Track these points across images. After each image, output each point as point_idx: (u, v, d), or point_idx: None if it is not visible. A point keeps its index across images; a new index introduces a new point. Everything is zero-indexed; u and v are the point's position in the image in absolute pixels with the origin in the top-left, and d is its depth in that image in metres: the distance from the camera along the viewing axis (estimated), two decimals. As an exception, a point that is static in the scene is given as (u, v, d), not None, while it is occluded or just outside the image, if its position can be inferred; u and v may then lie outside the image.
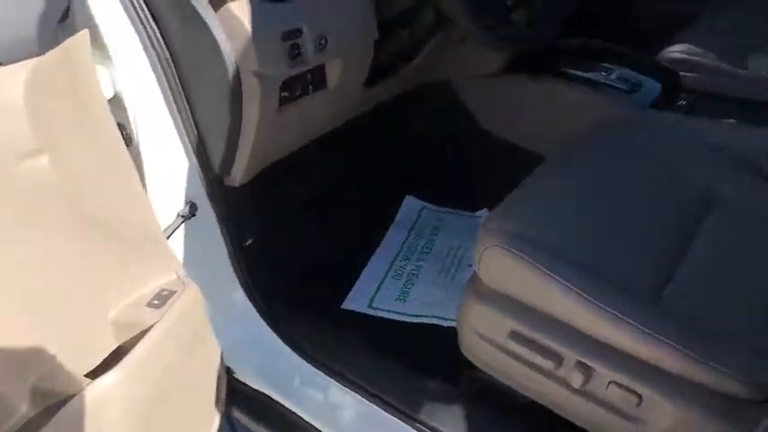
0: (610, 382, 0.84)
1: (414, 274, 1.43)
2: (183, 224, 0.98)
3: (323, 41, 0.95)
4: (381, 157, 1.67)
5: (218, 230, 1.04)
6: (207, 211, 1.01)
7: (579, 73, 1.40)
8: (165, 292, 0.76)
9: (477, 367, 1.01)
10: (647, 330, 0.80)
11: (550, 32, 1.10)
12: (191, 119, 0.92)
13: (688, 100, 1.39)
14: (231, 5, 0.85)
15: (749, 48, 1.62)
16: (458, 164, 1.61)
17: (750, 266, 0.95)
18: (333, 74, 1.03)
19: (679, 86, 1.45)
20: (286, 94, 0.96)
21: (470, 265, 1.43)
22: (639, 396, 0.82)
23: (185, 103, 0.91)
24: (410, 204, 1.64)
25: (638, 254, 0.92)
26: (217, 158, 0.96)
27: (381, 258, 1.47)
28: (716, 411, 0.77)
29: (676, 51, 1.60)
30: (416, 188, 1.66)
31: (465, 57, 1.39)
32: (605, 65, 1.42)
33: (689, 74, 1.48)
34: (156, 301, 0.74)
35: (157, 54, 0.84)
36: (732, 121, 1.26)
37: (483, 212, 1.58)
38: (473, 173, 1.60)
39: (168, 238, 0.91)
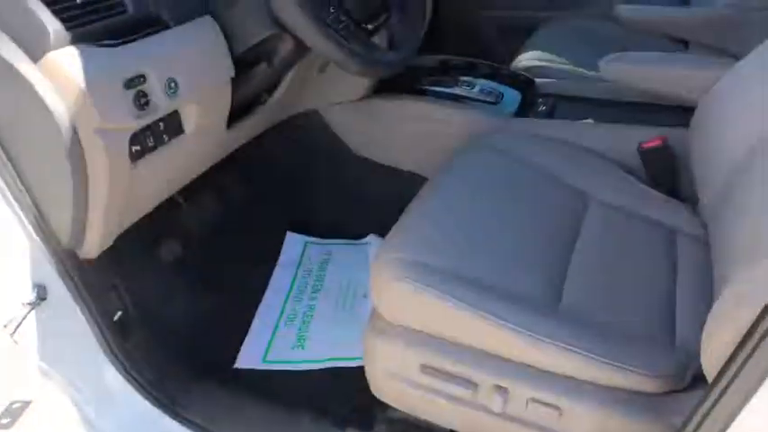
0: (528, 400, 0.82)
1: (308, 315, 1.35)
2: (32, 312, 0.84)
3: (173, 85, 0.85)
4: (256, 196, 1.59)
5: (78, 310, 0.90)
6: (60, 291, 0.87)
7: (442, 89, 1.41)
8: (17, 405, 0.63)
9: (392, 407, 0.95)
10: (553, 342, 0.80)
11: (412, 52, 1.08)
12: (25, 193, 0.79)
13: (547, 104, 1.44)
14: (55, 55, 0.73)
15: (591, 50, 1.75)
16: (336, 192, 1.56)
17: (630, 261, 0.99)
18: (189, 118, 0.93)
19: (536, 92, 1.50)
20: (138, 147, 0.85)
21: (366, 296, 1.38)
22: (559, 409, 0.80)
23: (15, 175, 0.77)
24: (293, 241, 1.57)
25: (530, 264, 0.93)
26: (65, 231, 0.83)
27: (270, 305, 1.38)
28: (636, 411, 0.77)
29: (527, 59, 1.68)
30: (297, 223, 1.59)
31: (328, 85, 1.35)
32: (465, 79, 1.43)
33: (543, 79, 1.54)
34: (5, 420, 0.61)
35: None
36: (590, 121, 1.32)
37: (370, 238, 1.55)
38: (353, 199, 1.56)
39: (13, 333, 0.77)
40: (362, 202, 1.56)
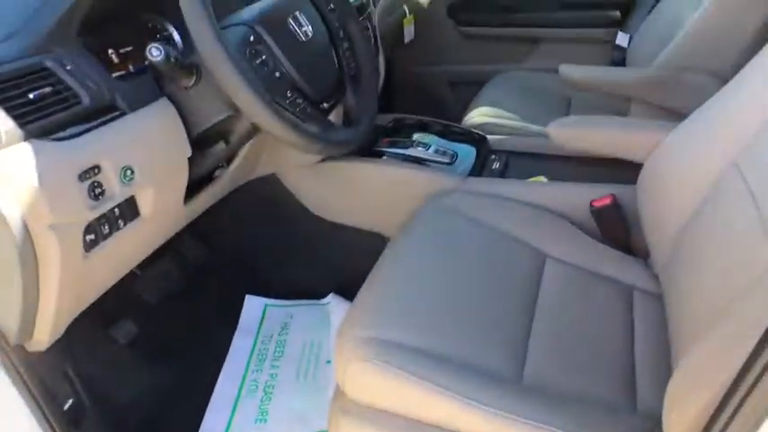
0: None
1: (270, 386, 1.32)
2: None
3: (128, 173, 0.84)
4: (214, 259, 1.57)
5: (23, 404, 0.86)
6: (5, 387, 0.83)
7: (398, 151, 1.43)
8: None
9: None
10: (519, 419, 0.80)
11: (369, 126, 1.10)
12: None
13: (500, 161, 1.48)
14: (6, 154, 0.71)
15: (541, 102, 1.82)
16: (296, 253, 1.55)
17: (588, 322, 1.02)
18: (145, 202, 0.91)
19: (490, 149, 1.54)
20: (92, 236, 0.82)
21: (328, 362, 1.37)
22: None
23: None
24: (252, 304, 1.55)
25: (493, 337, 0.93)
26: (13, 328, 0.79)
27: (230, 375, 1.35)
28: None
29: (479, 115, 1.73)
30: (257, 285, 1.57)
31: (285, 150, 1.35)
32: (421, 140, 1.46)
33: (495, 136, 1.59)
34: None
35: None
36: (543, 178, 1.36)
37: (330, 298, 1.54)
38: (313, 259, 1.56)
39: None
40: (322, 261, 1.55)
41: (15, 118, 0.72)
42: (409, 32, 2.13)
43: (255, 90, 0.81)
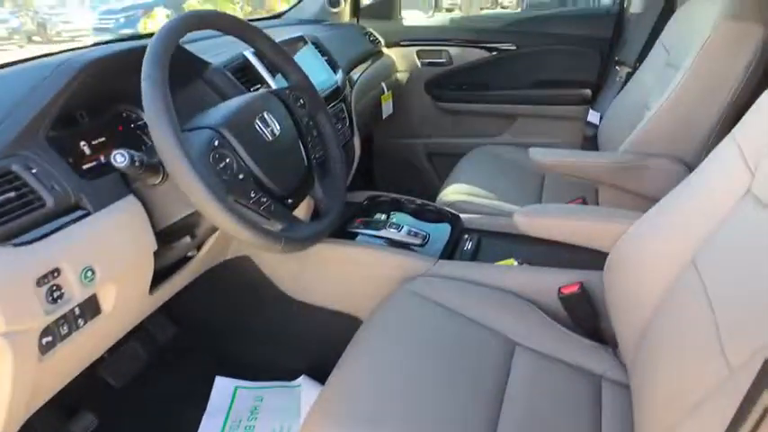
0: None
1: (237, 474, 1.28)
2: None
3: (89, 273, 0.84)
4: (184, 339, 1.55)
5: None
6: None
7: (371, 232, 1.44)
8: None
9: None
10: None
11: (337, 217, 1.12)
12: None
13: (472, 241, 1.50)
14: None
15: (515, 179, 1.86)
16: (267, 333, 1.54)
17: (556, 412, 1.01)
18: (107, 298, 0.91)
19: (462, 228, 1.56)
20: (49, 339, 0.81)
21: (298, 450, 1.34)
22: None
23: None
24: (222, 386, 1.52)
25: (460, 426, 0.93)
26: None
27: (197, 465, 1.31)
28: None
29: (453, 193, 1.76)
30: (227, 365, 1.55)
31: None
32: (394, 222, 1.47)
33: (468, 215, 1.61)
34: None
35: None
36: (513, 262, 1.37)
37: (301, 380, 1.51)
38: (284, 340, 1.54)
39: None
40: (294, 342, 1.54)
41: None
42: (387, 108, 2.19)
43: (214, 195, 0.82)
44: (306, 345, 1.52)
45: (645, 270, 1.05)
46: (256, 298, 1.51)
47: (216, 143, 0.89)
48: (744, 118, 0.98)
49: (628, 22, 2.17)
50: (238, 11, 9.89)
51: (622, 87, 1.96)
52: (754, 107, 0.97)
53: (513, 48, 2.26)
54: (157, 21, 9.20)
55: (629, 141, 1.52)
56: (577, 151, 1.67)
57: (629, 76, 1.98)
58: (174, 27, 0.90)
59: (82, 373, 1.01)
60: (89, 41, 10.77)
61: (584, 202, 1.49)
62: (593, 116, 2.09)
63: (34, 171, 0.83)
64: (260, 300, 1.51)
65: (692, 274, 0.93)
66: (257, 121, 0.98)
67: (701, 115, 1.43)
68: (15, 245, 0.77)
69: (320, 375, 1.39)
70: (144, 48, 1.01)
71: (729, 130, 1.01)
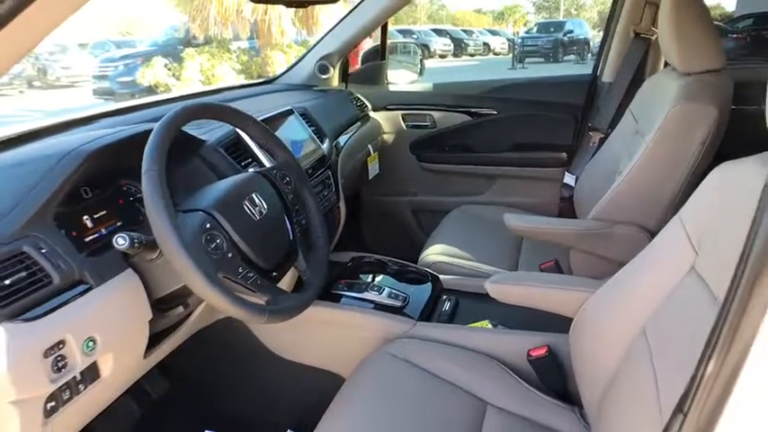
0: None
1: None
2: None
3: (91, 344, 0.92)
4: (174, 395, 1.61)
5: None
6: None
7: (354, 294, 1.52)
8: None
9: None
10: None
11: (319, 288, 1.20)
12: None
13: (450, 301, 1.58)
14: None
15: (494, 239, 1.95)
16: (255, 390, 1.60)
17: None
18: (106, 365, 0.98)
19: (441, 288, 1.65)
20: (52, 404, 0.89)
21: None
22: None
23: None
24: (210, 442, 1.57)
25: None
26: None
27: None
28: None
29: (434, 254, 1.85)
30: (216, 421, 1.60)
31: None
32: (376, 284, 1.56)
33: (447, 276, 1.70)
34: None
35: None
36: (486, 324, 1.45)
37: (287, 435, 1.57)
38: (271, 397, 1.61)
39: None
40: (281, 398, 1.61)
41: None
42: (374, 169, 2.30)
43: (203, 273, 0.90)
44: (291, 400, 1.58)
45: (603, 336, 1.13)
46: (244, 356, 1.58)
47: (208, 225, 0.98)
48: (689, 199, 1.08)
49: (600, 90, 2.31)
50: (234, 59, 10.18)
51: (596, 152, 2.08)
52: (698, 187, 1.07)
53: (494, 113, 2.40)
54: (156, 69, 9.47)
55: (597, 208, 1.62)
56: (548, 218, 1.77)
57: (602, 141, 2.10)
58: (172, 121, 1.01)
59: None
60: (89, 88, 11.00)
61: (557, 265, 1.58)
62: (569, 178, 2.21)
63: (43, 251, 0.91)
64: (248, 357, 1.57)
65: (642, 342, 1.01)
66: (246, 202, 1.08)
67: (662, 186, 1.54)
68: (25, 320, 0.85)
69: (305, 430, 1.45)
70: (140, 134, 1.12)
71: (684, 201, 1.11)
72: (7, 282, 0.85)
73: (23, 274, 0.87)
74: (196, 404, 1.64)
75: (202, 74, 9.36)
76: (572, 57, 19.81)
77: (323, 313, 1.49)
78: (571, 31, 20.38)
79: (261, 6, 8.35)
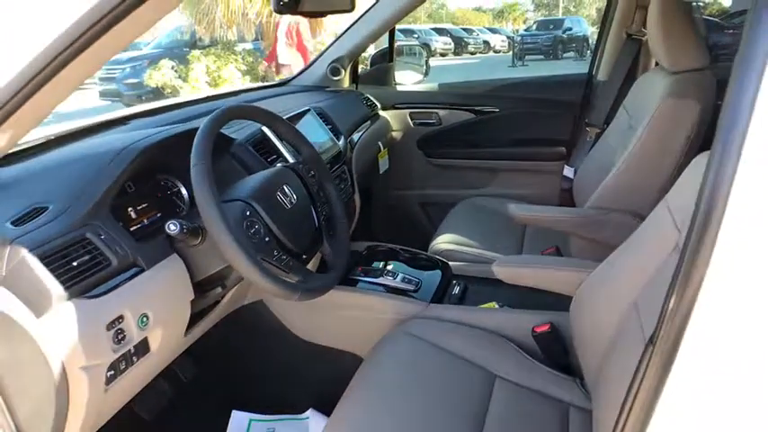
0: None
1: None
2: None
3: (144, 319, 1.04)
4: (205, 376, 1.73)
5: None
6: None
7: (371, 279, 1.65)
8: None
9: None
10: None
11: (342, 271, 1.33)
12: (11, 421, 0.93)
13: (459, 286, 1.71)
14: (55, 312, 0.91)
15: (499, 229, 2.07)
16: (278, 371, 1.73)
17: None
18: (155, 340, 1.11)
19: (451, 275, 1.77)
20: (112, 372, 1.01)
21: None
22: None
23: (4, 407, 0.92)
24: (238, 419, 1.69)
25: None
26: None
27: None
28: None
29: (443, 242, 1.97)
30: (243, 400, 1.73)
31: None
32: (390, 270, 1.68)
33: (456, 263, 1.82)
34: None
35: None
36: (494, 305, 1.58)
37: (309, 413, 1.69)
38: (295, 377, 1.73)
39: None
40: (303, 379, 1.73)
41: (62, 283, 0.93)
42: (384, 164, 2.43)
43: (248, 256, 1.03)
44: (313, 380, 1.70)
45: (600, 311, 1.25)
46: (269, 338, 1.70)
47: (248, 213, 1.11)
48: (674, 185, 1.20)
49: (596, 87, 2.43)
50: (240, 60, 10.29)
51: (593, 146, 2.19)
52: (681, 176, 1.18)
53: (496, 110, 2.52)
54: (163, 72, 9.59)
55: (594, 197, 1.74)
56: (548, 207, 1.89)
57: (599, 136, 2.22)
58: (216, 120, 1.13)
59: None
60: (95, 90, 11.06)
61: (558, 251, 1.71)
62: (568, 171, 2.33)
63: (102, 237, 1.04)
64: (272, 340, 1.70)
65: (634, 314, 1.13)
66: (278, 192, 1.21)
67: (653, 176, 1.65)
68: (90, 297, 0.97)
69: (326, 408, 1.57)
70: (184, 132, 1.24)
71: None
72: (74, 264, 0.97)
73: (86, 257, 1.00)
74: (223, 386, 1.76)
75: (209, 75, 9.49)
76: (571, 54, 19.88)
77: (342, 297, 1.61)
78: (570, 29, 20.45)
79: (266, 9, 8.48)
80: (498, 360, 1.37)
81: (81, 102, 10.08)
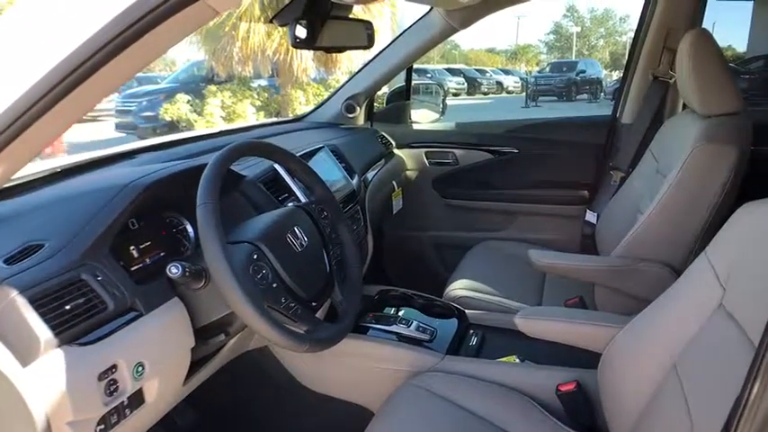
0: None
1: None
2: None
3: (140, 368, 0.96)
4: (202, 426, 1.63)
5: None
6: None
7: (383, 327, 1.56)
8: None
9: None
10: None
11: (353, 320, 1.24)
12: None
13: (477, 336, 1.61)
14: (42, 361, 0.83)
15: (517, 275, 1.98)
16: (282, 422, 1.63)
17: None
18: (151, 391, 1.02)
19: (468, 323, 1.67)
20: (101, 427, 0.92)
21: None
22: None
23: None
24: (238, 472, 1.59)
25: None
26: None
27: None
28: None
29: (459, 288, 1.88)
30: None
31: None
32: (403, 317, 1.59)
33: (473, 311, 1.73)
34: None
35: None
36: (514, 359, 1.48)
37: (314, 468, 1.58)
38: (298, 428, 1.63)
39: None
40: (308, 428, 1.62)
41: (53, 328, 0.85)
42: (397, 204, 2.36)
43: (253, 303, 0.95)
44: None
45: (633, 372, 1.15)
46: (273, 387, 1.61)
47: (255, 256, 1.04)
48: (716, 236, 1.11)
49: (620, 130, 2.37)
50: (255, 96, 10.41)
51: (617, 190, 2.12)
52: (724, 226, 1.10)
53: (515, 151, 2.46)
54: (179, 106, 9.71)
55: (621, 245, 1.66)
56: (573, 255, 1.81)
57: (623, 180, 2.14)
58: (225, 157, 1.07)
59: None
60: (111, 122, 11.24)
61: (582, 301, 1.61)
62: (590, 216, 2.24)
63: (99, 279, 0.96)
64: (276, 388, 1.60)
65: (674, 379, 1.03)
66: (289, 234, 1.13)
67: (685, 224, 1.57)
68: (81, 344, 0.89)
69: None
70: (193, 168, 1.18)
71: (711, 238, 1.14)
72: (67, 307, 0.90)
73: (81, 300, 0.93)
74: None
75: (224, 110, 9.59)
76: (584, 96, 20.03)
77: (351, 345, 1.51)
78: (584, 71, 20.67)
79: (284, 45, 8.60)
80: (518, 420, 1.27)
81: (96, 133, 10.23)
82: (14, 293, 0.84)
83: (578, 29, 40.80)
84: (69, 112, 0.75)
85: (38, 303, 0.86)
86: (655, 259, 1.60)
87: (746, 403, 0.52)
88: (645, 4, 2.25)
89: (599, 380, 1.27)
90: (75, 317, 0.90)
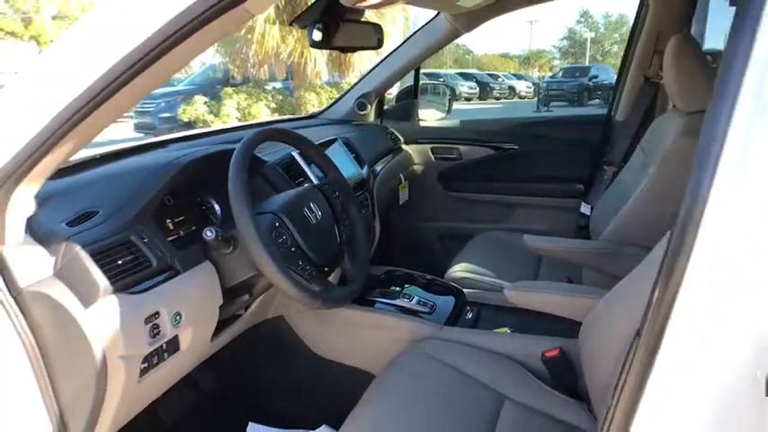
0: None
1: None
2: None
3: (178, 317, 1.13)
4: (224, 389, 1.80)
5: None
6: None
7: (387, 301, 1.72)
8: None
9: None
10: None
11: (360, 286, 1.40)
12: (54, 401, 1.01)
13: (473, 312, 1.76)
14: (101, 304, 1.00)
15: (513, 260, 2.13)
16: (295, 386, 1.79)
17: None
18: (185, 339, 1.19)
19: (465, 301, 1.83)
20: (145, 365, 1.09)
21: (319, 486, 1.55)
22: None
23: (49, 386, 1.00)
24: (254, 431, 1.74)
25: None
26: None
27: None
28: None
29: (459, 270, 2.03)
30: (260, 413, 1.79)
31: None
32: (406, 292, 1.75)
33: (470, 290, 1.88)
34: None
35: (24, 345, 0.96)
36: (506, 330, 1.63)
37: (323, 428, 1.74)
38: (310, 393, 1.79)
39: None
40: (318, 394, 1.78)
41: (109, 278, 1.02)
42: (404, 196, 2.52)
43: (276, 262, 1.12)
44: (328, 396, 1.76)
45: (607, 338, 1.29)
46: (286, 353, 1.77)
47: (277, 224, 1.21)
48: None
49: (614, 128, 2.52)
50: (270, 99, 10.62)
51: (610, 184, 2.26)
52: None
53: (516, 147, 2.61)
54: (196, 107, 9.94)
55: (608, 230, 1.81)
56: (564, 239, 1.95)
57: (615, 174, 2.29)
58: (252, 140, 1.24)
59: (146, 409, 1.27)
60: (130, 123, 11.44)
61: (570, 281, 1.76)
62: (584, 208, 2.39)
63: (145, 240, 1.13)
64: (289, 355, 1.77)
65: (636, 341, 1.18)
66: (305, 208, 1.30)
67: (663, 212, 1.71)
68: (132, 293, 1.06)
69: (338, 424, 1.62)
70: (223, 152, 1.35)
71: None
72: (119, 262, 1.07)
73: (130, 257, 1.09)
74: (241, 397, 1.83)
75: (239, 111, 9.82)
76: (596, 101, 20.03)
77: (359, 316, 1.68)
78: (596, 77, 20.66)
79: (298, 49, 8.82)
80: (508, 382, 1.41)
81: (116, 133, 10.47)
82: (78, 248, 1.01)
83: (593, 34, 40.78)
84: (122, 105, 0.91)
85: (96, 257, 1.02)
86: (636, 243, 1.74)
87: (651, 302, 0.68)
88: (638, 9, 2.40)
89: (579, 346, 1.41)
90: (126, 270, 1.07)
